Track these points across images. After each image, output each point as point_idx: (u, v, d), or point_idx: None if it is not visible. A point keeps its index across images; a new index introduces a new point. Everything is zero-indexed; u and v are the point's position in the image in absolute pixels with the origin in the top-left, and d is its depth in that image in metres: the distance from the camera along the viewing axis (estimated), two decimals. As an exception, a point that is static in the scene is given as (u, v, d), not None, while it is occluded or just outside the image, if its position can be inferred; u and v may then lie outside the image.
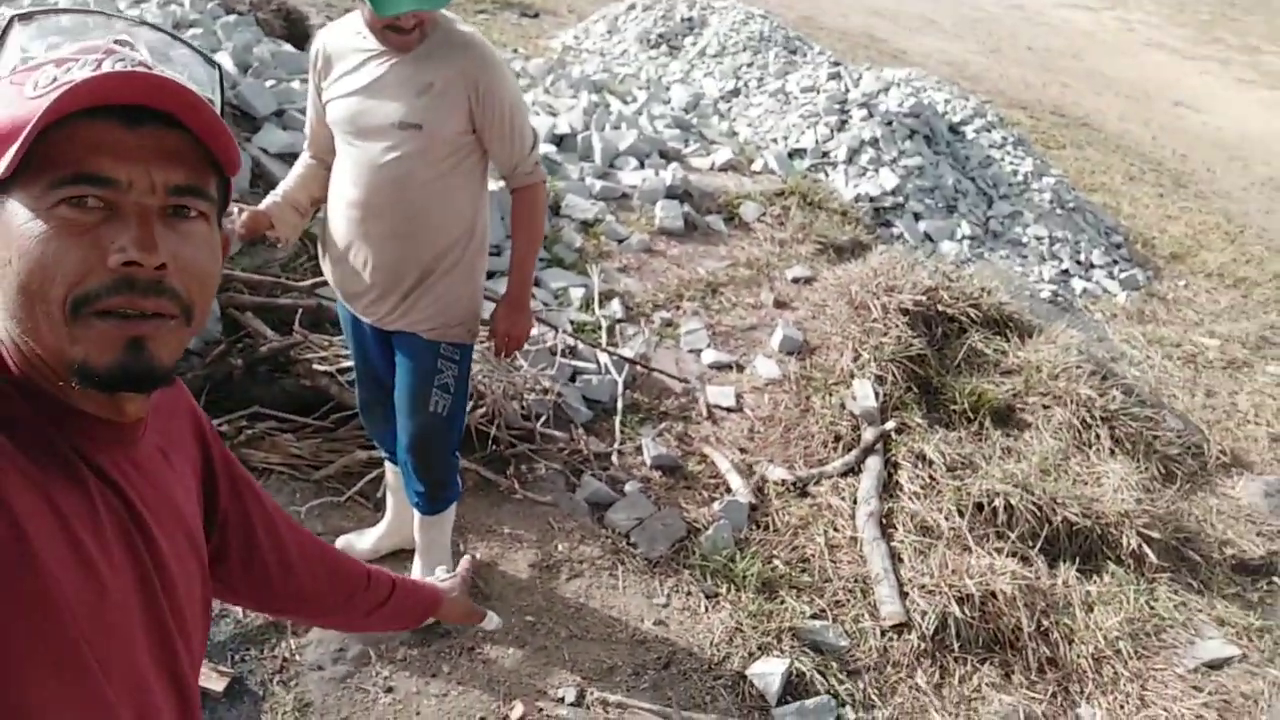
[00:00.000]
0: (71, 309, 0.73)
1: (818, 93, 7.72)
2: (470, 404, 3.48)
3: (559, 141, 6.08)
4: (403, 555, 3.01)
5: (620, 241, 5.31)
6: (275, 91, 4.77)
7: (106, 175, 0.74)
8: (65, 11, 0.82)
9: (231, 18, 5.47)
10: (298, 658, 2.64)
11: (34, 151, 0.72)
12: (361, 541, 3.01)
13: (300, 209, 2.57)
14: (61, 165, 0.73)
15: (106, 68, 0.74)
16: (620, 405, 3.97)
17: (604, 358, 4.17)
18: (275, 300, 3.67)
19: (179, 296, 0.77)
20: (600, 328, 4.46)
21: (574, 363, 4.08)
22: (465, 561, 1.56)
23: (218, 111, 0.86)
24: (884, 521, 3.49)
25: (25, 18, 0.80)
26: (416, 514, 2.76)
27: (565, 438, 3.70)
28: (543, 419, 3.70)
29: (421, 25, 2.20)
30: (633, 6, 10.30)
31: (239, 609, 2.68)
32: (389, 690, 2.60)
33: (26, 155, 0.72)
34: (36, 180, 0.73)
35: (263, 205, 2.50)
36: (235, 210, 2.38)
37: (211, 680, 2.47)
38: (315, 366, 3.41)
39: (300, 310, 3.55)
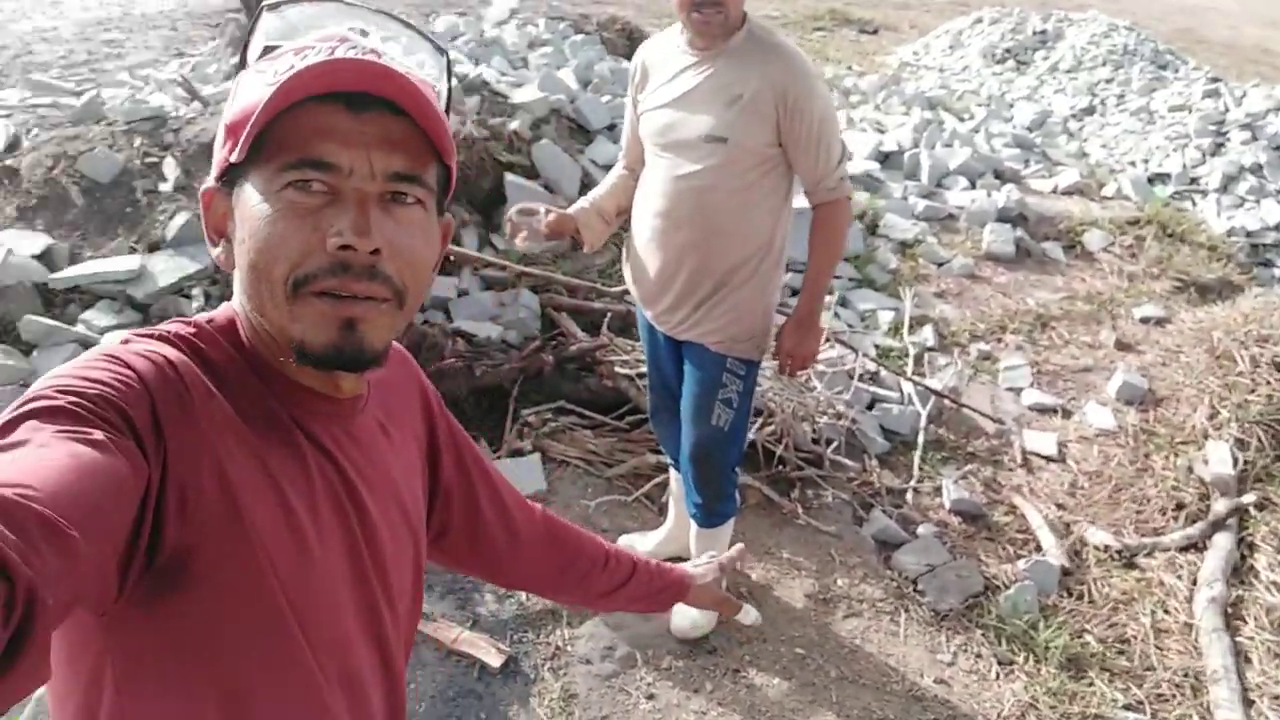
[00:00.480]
0: (292, 288, 0.76)
1: (1189, 112, 6.82)
2: (758, 421, 3.42)
3: (884, 159, 5.86)
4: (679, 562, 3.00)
5: (940, 265, 4.99)
6: (610, 106, 5.02)
7: (330, 160, 0.75)
8: (309, 1, 0.84)
9: (579, 37, 5.84)
10: (569, 649, 2.72)
11: (267, 135, 0.74)
12: (643, 543, 3.05)
13: (606, 217, 2.65)
14: (290, 149, 0.75)
15: (339, 55, 0.76)
16: (921, 440, 3.71)
17: (908, 387, 3.93)
18: (590, 304, 3.85)
19: (391, 281, 0.78)
20: (907, 355, 4.20)
21: (874, 389, 3.88)
22: (735, 549, 1.47)
23: (444, 100, 0.86)
24: (1229, 611, 2.94)
25: (273, 6, 0.82)
26: (693, 524, 2.74)
27: (856, 467, 3.52)
28: (834, 445, 3.55)
29: (725, 5, 2.17)
30: (979, 20, 9.73)
31: (525, 593, 2.80)
32: (650, 697, 2.59)
33: (260, 138, 0.74)
34: (268, 163, 0.76)
35: (571, 209, 2.61)
36: (541, 209, 2.50)
37: (490, 655, 2.61)
38: (617, 369, 3.52)
39: (609, 315, 3.69)
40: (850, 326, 4.36)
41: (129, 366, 0.71)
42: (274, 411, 0.81)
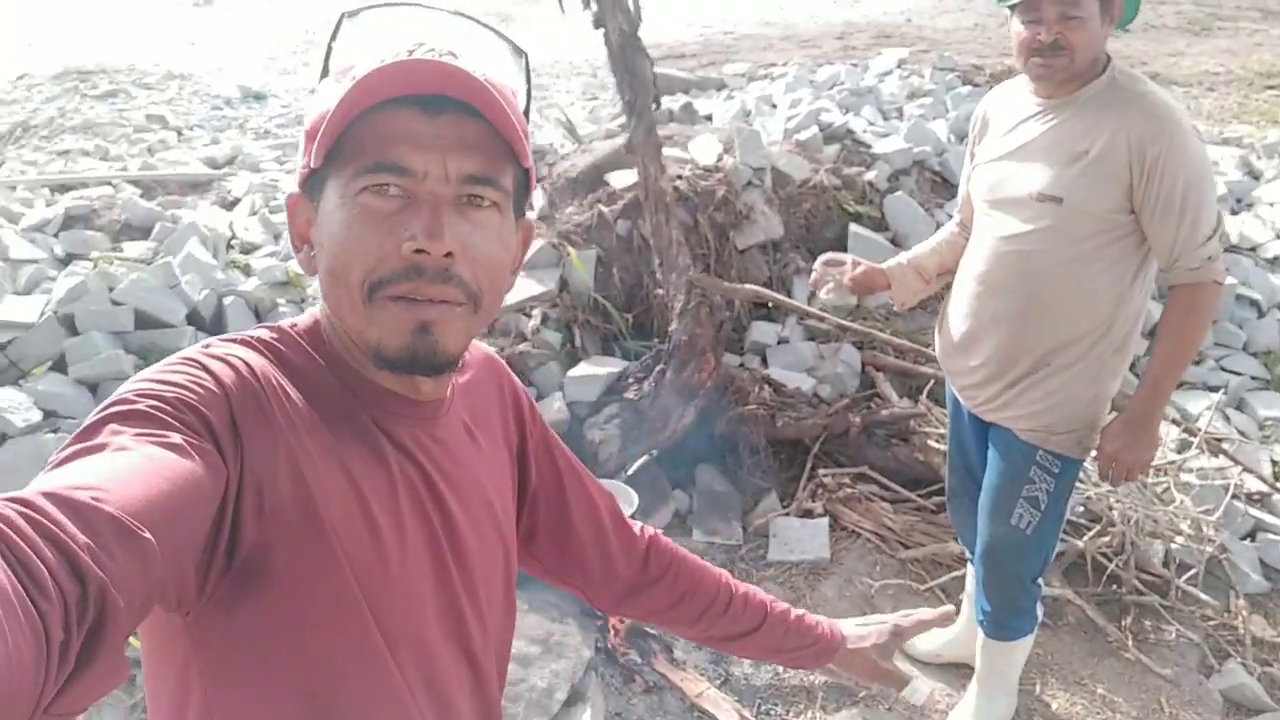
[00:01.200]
0: (368, 292, 0.76)
1: None
2: (1095, 529, 2.94)
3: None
4: (964, 669, 2.67)
5: (1388, 376, 3.98)
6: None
7: (404, 164, 0.75)
8: (390, 5, 0.84)
9: (966, 89, 5.53)
10: (816, 734, 2.52)
11: (344, 140, 0.75)
12: (924, 641, 2.75)
13: (925, 275, 2.43)
14: (366, 154, 0.75)
15: (416, 57, 0.75)
16: (1316, 587, 2.96)
17: (1309, 520, 3.16)
18: (916, 368, 3.58)
19: (465, 284, 0.77)
20: (1317, 480, 3.38)
21: (1259, 514, 3.17)
22: (924, 612, 1.26)
23: (524, 102, 0.85)
24: None
25: (353, 14, 0.83)
26: (980, 631, 2.42)
27: (1217, 605, 2.89)
28: (1190, 573, 2.95)
29: (1070, 49, 1.92)
30: None
31: (782, 667, 2.64)
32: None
33: (337, 143, 0.75)
34: (345, 168, 0.76)
35: (885, 263, 2.43)
36: (849, 261, 2.36)
37: (731, 719, 2.50)
38: (931, 443, 3.23)
39: (933, 381, 3.40)
40: (1243, 435, 3.61)
41: (207, 370, 0.73)
42: (354, 414, 0.81)
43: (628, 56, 3.24)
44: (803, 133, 4.45)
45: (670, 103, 5.15)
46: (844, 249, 4.09)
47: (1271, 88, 7.86)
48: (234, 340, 0.80)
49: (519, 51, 0.87)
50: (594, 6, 3.23)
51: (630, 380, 3.42)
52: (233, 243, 4.01)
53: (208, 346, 0.78)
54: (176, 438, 0.65)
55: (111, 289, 3.28)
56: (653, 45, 9.72)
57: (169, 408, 0.68)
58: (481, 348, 1.04)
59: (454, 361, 0.81)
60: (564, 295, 3.67)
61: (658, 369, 3.34)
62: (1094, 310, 2.04)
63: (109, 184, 4.59)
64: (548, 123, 5.09)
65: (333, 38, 0.82)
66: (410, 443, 0.84)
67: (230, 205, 4.57)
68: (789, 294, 3.90)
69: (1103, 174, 1.93)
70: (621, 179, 3.92)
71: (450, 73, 0.73)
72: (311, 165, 0.78)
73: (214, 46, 9.74)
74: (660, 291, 3.46)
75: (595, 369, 3.45)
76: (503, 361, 1.08)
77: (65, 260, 3.66)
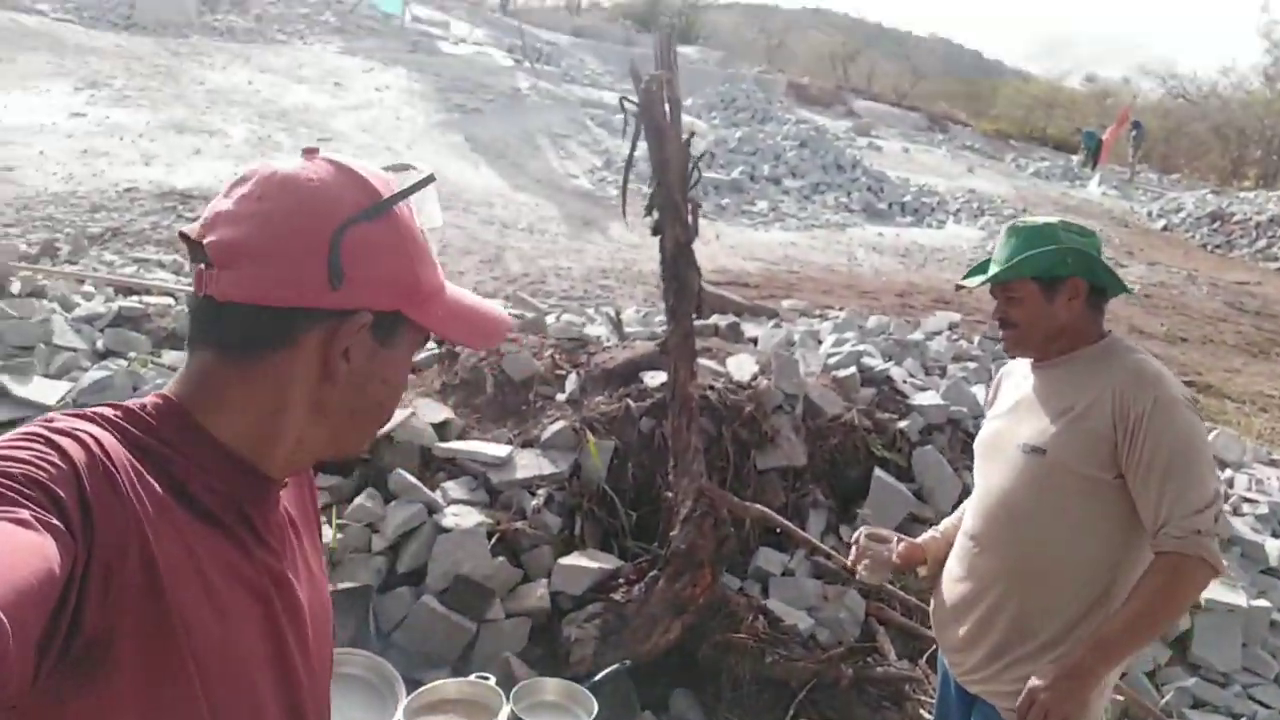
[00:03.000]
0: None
1: None
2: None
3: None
4: None
5: None
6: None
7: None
8: (410, 171, 0.93)
9: (1012, 360, 5.57)
10: None
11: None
12: None
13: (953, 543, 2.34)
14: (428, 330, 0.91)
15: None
16: None
17: None
18: (920, 628, 3.39)
19: None
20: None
21: None
22: None
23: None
24: None
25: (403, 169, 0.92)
26: None
27: None
28: None
29: (1015, 324, 2.02)
30: None
31: None
32: None
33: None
34: (419, 333, 0.90)
35: (921, 538, 2.37)
36: (894, 539, 2.30)
37: None
38: (923, 712, 3.00)
39: (935, 647, 3.20)
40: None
41: (55, 446, 0.71)
42: (206, 496, 0.81)
43: (678, 265, 3.34)
44: (841, 370, 4.48)
45: (719, 320, 5.27)
46: (866, 491, 4.01)
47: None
48: (80, 416, 0.78)
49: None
50: (655, 215, 3.38)
51: (621, 581, 3.27)
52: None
53: (51, 422, 0.75)
54: (25, 514, 0.63)
55: (135, 389, 3.33)
56: (717, 270, 10.10)
57: (16, 484, 0.66)
58: None
59: None
60: (574, 480, 3.61)
61: (651, 574, 3.20)
62: (1088, 578, 1.92)
63: (171, 295, 4.77)
64: (599, 316, 5.23)
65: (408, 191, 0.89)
66: (259, 522, 0.86)
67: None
68: (803, 525, 3.78)
69: (1087, 430, 1.89)
70: (655, 379, 3.94)
71: (500, 332, 0.95)
72: (413, 317, 0.88)
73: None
74: (670, 495, 3.38)
75: (588, 561, 3.32)
76: None
77: (103, 355, 3.74)
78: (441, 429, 3.69)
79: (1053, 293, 1.98)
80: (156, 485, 0.76)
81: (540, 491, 3.52)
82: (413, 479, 3.37)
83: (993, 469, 2.08)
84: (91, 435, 0.74)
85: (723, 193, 13.75)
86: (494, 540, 3.30)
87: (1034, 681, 1.87)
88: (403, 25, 20.07)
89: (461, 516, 3.31)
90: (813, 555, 3.69)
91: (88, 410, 0.80)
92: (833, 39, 40.17)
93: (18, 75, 11.61)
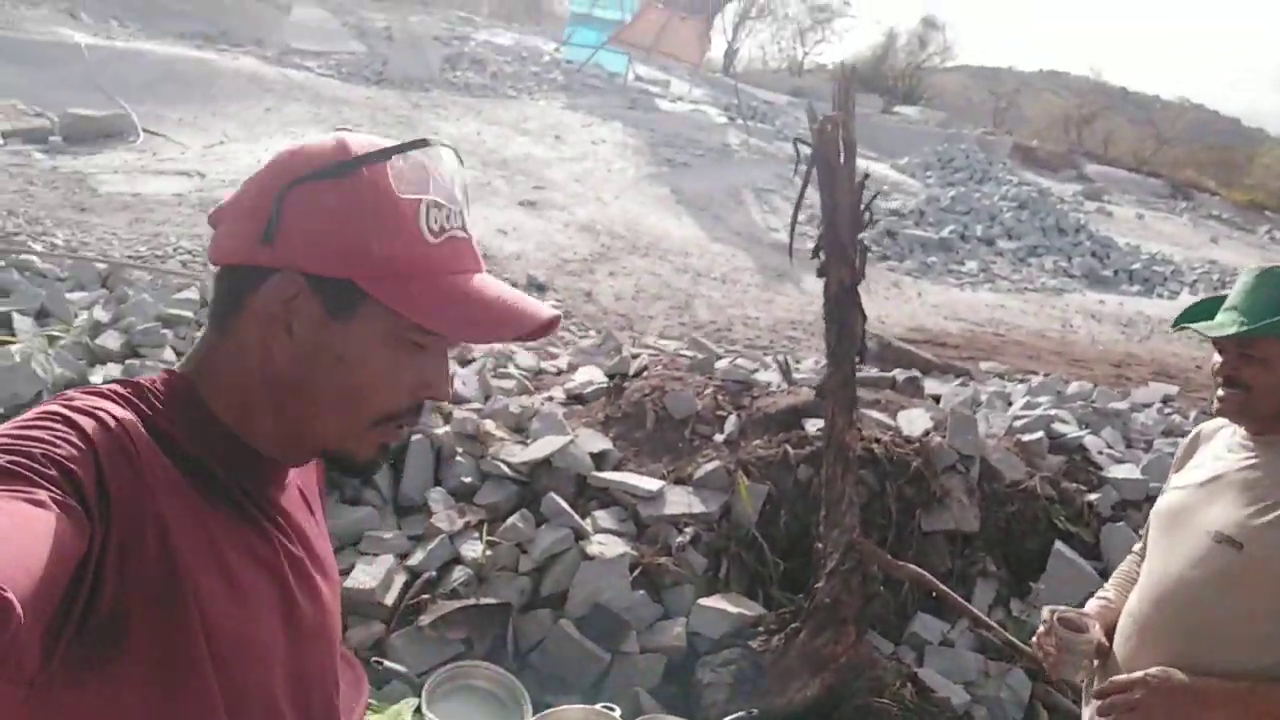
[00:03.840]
0: (374, 422, 0.84)
1: None
2: None
3: None
4: None
5: None
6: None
7: (456, 341, 0.87)
8: (431, 146, 0.86)
9: (1238, 441, 4.97)
10: None
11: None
12: None
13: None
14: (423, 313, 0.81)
15: (458, 223, 0.84)
16: None
17: None
18: (1095, 722, 3.04)
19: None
20: None
21: None
22: None
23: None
24: None
25: (407, 149, 0.84)
26: None
27: None
28: None
29: (1247, 391, 1.72)
30: None
31: None
32: None
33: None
34: (392, 316, 0.80)
35: (1090, 608, 2.02)
36: (1094, 628, 1.89)
37: None
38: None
39: None
40: None
41: (73, 425, 0.71)
42: (217, 473, 0.81)
43: (843, 308, 3.24)
44: (1028, 435, 4.16)
45: (900, 373, 5.06)
46: (1043, 567, 3.68)
47: None
48: (96, 394, 0.78)
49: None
50: (822, 257, 3.31)
51: (761, 630, 3.17)
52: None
53: (70, 400, 0.76)
54: (42, 495, 0.64)
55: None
56: (915, 328, 9.73)
57: (34, 464, 0.66)
58: None
59: None
60: (723, 522, 3.54)
61: (792, 626, 3.08)
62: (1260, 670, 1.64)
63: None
64: (772, 362, 5.15)
65: (400, 150, 0.83)
66: (269, 504, 0.86)
67: (465, 362, 4.94)
68: (969, 596, 3.52)
69: None
70: (817, 426, 3.82)
71: (537, 328, 0.83)
72: (373, 293, 0.78)
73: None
74: (819, 545, 3.24)
75: (729, 606, 3.24)
76: None
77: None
78: (599, 459, 3.74)
79: None
80: (172, 464, 0.76)
81: (688, 529, 3.48)
82: (564, 504, 3.43)
83: (1172, 550, 1.82)
84: (111, 414, 0.74)
85: (930, 251, 13.28)
86: (636, 573, 3.29)
87: (1148, 681, 1.67)
88: (625, 84, 20.97)
89: (607, 546, 3.33)
90: (977, 628, 3.42)
91: (105, 387, 0.80)
92: (1068, 102, 38.17)
93: (281, 122, 13.09)
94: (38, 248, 6.45)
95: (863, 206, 3.26)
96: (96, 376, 3.77)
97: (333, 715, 0.92)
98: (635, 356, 4.79)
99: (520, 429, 3.98)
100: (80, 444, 0.69)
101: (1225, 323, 1.76)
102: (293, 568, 0.85)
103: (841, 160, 3.25)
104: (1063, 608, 1.93)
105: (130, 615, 0.69)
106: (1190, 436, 2.03)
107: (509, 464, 3.62)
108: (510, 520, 3.40)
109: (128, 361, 4.02)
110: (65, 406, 0.73)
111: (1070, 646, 1.84)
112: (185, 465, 0.78)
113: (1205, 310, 1.87)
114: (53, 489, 0.64)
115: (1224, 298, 1.84)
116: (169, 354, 4.18)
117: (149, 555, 0.70)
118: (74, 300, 4.79)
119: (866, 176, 3.31)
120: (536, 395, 4.46)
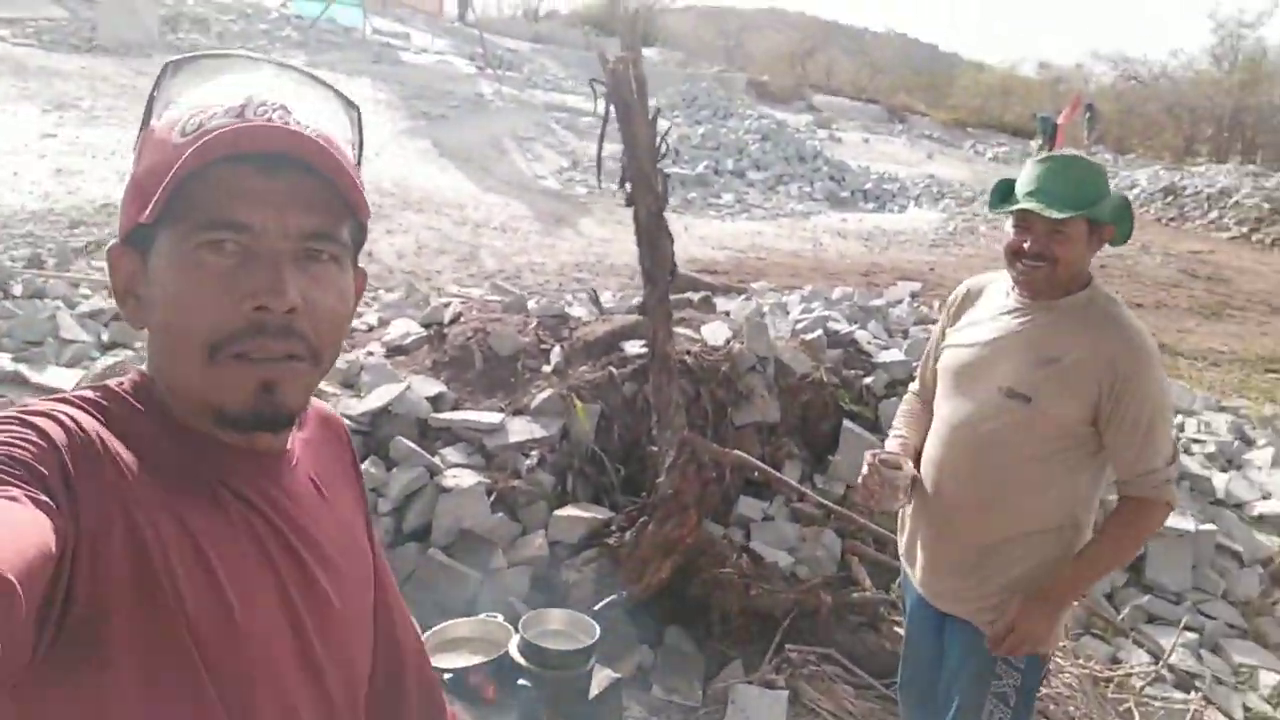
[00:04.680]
0: (210, 353, 0.76)
1: None
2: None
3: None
4: None
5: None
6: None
7: (242, 221, 0.76)
8: (214, 56, 0.85)
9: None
10: None
11: (178, 196, 0.74)
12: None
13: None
14: (201, 210, 0.75)
15: (249, 115, 0.76)
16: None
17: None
18: (892, 561, 3.65)
19: (308, 339, 0.79)
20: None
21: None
22: None
23: (357, 154, 0.87)
24: None
25: (177, 64, 0.83)
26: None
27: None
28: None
29: (1053, 261, 1.98)
30: None
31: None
32: None
33: (171, 200, 0.75)
34: (180, 224, 0.76)
35: (889, 448, 2.32)
36: (907, 463, 2.22)
37: None
38: (897, 630, 3.26)
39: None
40: (1219, 680, 3.58)
41: (33, 427, 0.70)
42: (189, 468, 0.79)
43: (652, 232, 3.58)
44: (809, 334, 4.75)
45: (693, 295, 5.52)
46: (836, 442, 4.27)
47: (1273, 371, 8.19)
48: (56, 400, 0.77)
49: (352, 106, 0.89)
50: (628, 188, 3.62)
51: (614, 529, 3.51)
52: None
53: (26, 407, 0.74)
54: (15, 491, 0.64)
55: (145, 374, 3.52)
56: (688, 260, 10.32)
57: (1, 464, 0.66)
58: (318, 404, 1.02)
59: (295, 417, 0.84)
60: (564, 443, 3.84)
61: (641, 520, 3.44)
62: (1058, 511, 2.07)
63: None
64: (575, 300, 5.47)
65: (156, 86, 0.82)
66: (253, 494, 0.82)
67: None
68: (781, 471, 4.04)
69: (1071, 383, 1.97)
70: (635, 348, 4.18)
71: (288, 132, 0.75)
72: (142, 220, 0.76)
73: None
74: (654, 449, 3.62)
75: (581, 513, 3.56)
76: (343, 422, 1.07)
77: (109, 346, 3.93)
78: (435, 402, 3.91)
79: (1093, 236, 2.00)
80: (140, 463, 0.75)
81: (533, 453, 3.75)
82: (413, 445, 3.58)
83: (964, 402, 2.13)
84: (69, 415, 0.73)
85: (689, 187, 14.04)
86: (492, 498, 3.53)
87: (1010, 613, 2.05)
88: (364, 38, 20.20)
89: (461, 478, 3.53)
90: (790, 503, 3.95)
91: (70, 394, 0.79)
92: (790, 37, 40.73)
93: (-16, 100, 11.66)
94: None
95: (659, 139, 3.60)
96: None
97: (355, 695, 0.91)
98: (447, 305, 4.92)
99: (350, 384, 4.05)
100: (41, 443, 0.69)
101: (1047, 204, 1.95)
102: (287, 553, 0.83)
103: (635, 96, 3.56)
104: (880, 450, 2.25)
105: (107, 613, 0.68)
106: (958, 294, 2.30)
107: (350, 416, 3.71)
108: (361, 468, 3.51)
109: None
110: (21, 412, 0.73)
111: (891, 481, 2.13)
112: (157, 463, 0.76)
113: (1002, 194, 2.09)
114: (23, 486, 0.64)
115: (1011, 184, 2.08)
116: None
117: (118, 553, 0.69)
118: None
119: (659, 111, 3.64)
120: (355, 351, 4.51)
